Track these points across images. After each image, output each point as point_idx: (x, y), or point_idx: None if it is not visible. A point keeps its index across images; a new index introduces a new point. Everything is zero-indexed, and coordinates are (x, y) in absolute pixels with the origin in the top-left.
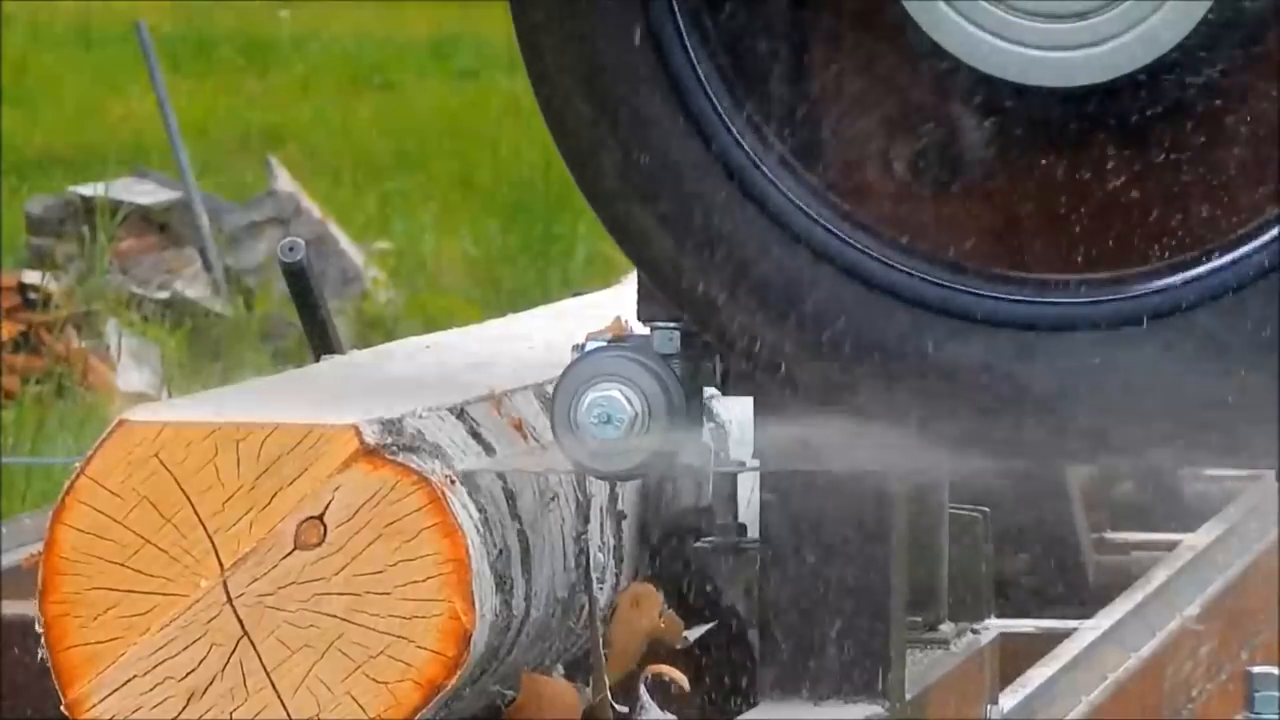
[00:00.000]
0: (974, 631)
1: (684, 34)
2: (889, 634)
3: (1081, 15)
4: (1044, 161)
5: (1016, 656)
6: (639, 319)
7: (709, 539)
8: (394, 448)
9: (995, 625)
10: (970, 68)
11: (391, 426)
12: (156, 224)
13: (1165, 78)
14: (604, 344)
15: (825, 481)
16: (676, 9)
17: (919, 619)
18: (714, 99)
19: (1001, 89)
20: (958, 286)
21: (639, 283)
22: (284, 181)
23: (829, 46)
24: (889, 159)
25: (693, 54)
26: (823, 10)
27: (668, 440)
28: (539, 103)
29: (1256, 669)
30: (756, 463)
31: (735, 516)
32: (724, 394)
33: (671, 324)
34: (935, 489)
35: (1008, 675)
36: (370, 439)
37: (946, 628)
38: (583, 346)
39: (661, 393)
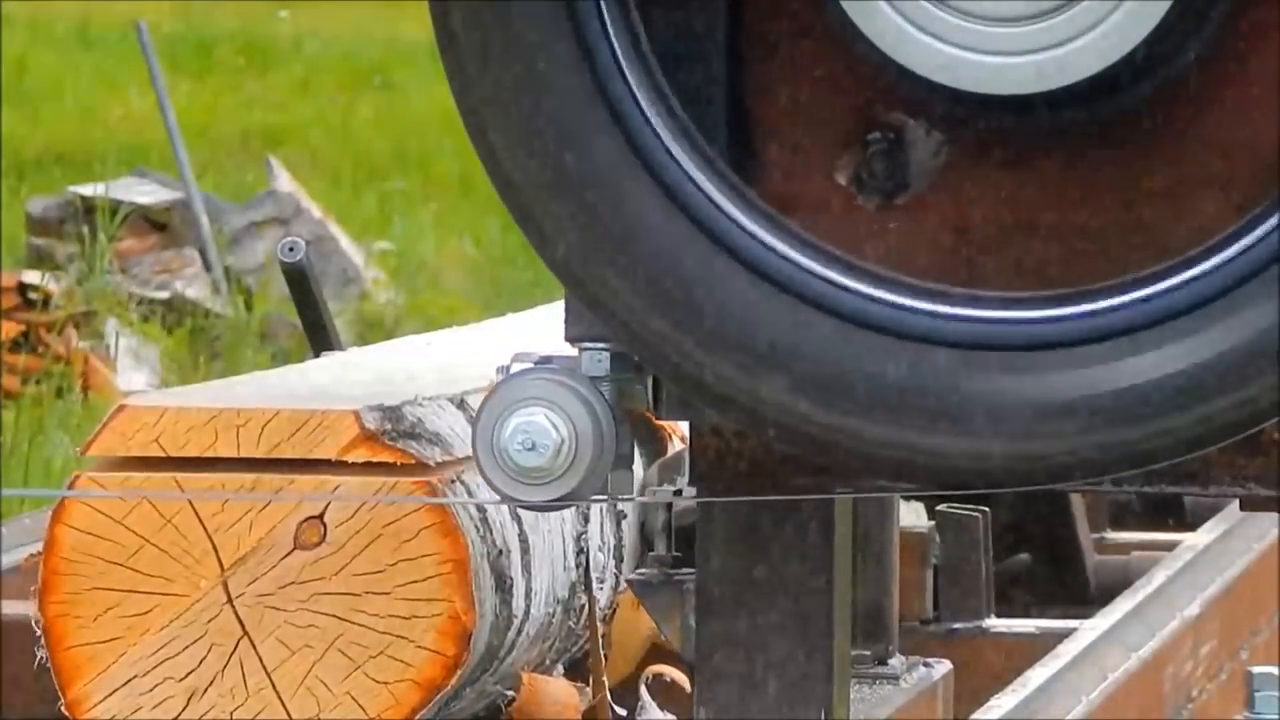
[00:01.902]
0: (925, 665)
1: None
2: (832, 668)
3: (1033, 18)
4: (993, 173)
5: (1016, 656)
6: (566, 339)
7: (640, 571)
8: (393, 434)
9: (995, 625)
10: (914, 73)
11: (391, 414)
12: (156, 224)
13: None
14: (530, 365)
15: (763, 508)
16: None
17: (867, 652)
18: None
19: (947, 96)
20: (895, 302)
21: (566, 302)
22: (284, 181)
23: (767, 53)
24: (832, 171)
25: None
26: (762, 17)
27: (596, 468)
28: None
29: (1256, 669)
30: (693, 491)
31: (670, 547)
32: (657, 418)
33: (601, 345)
34: (883, 513)
35: (1008, 675)
36: (370, 424)
37: (896, 662)
38: (507, 368)
39: (589, 417)
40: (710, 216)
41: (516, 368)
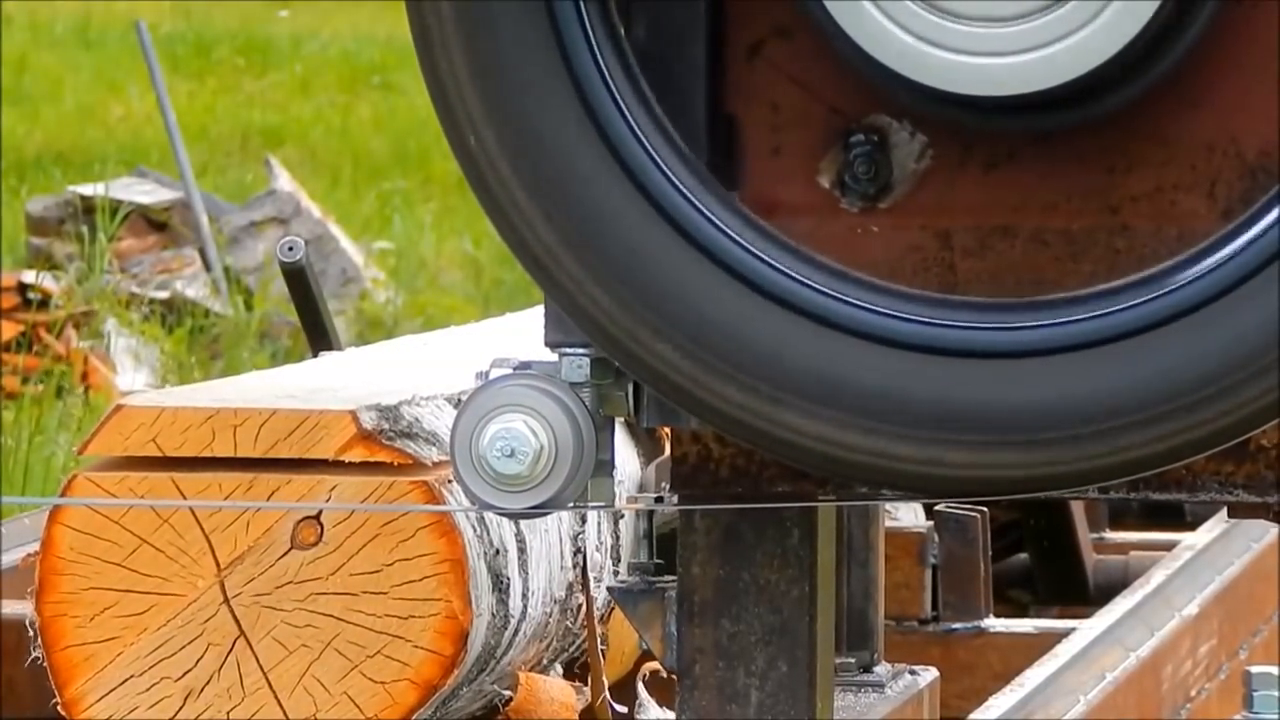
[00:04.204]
0: (911, 672)
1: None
2: (814, 676)
3: (1020, 18)
4: (977, 175)
5: (1015, 656)
6: (546, 344)
7: (622, 580)
8: (390, 433)
9: (994, 625)
10: (897, 74)
11: (388, 413)
12: (156, 224)
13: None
14: (509, 371)
15: (745, 515)
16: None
17: (851, 659)
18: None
19: (931, 97)
20: (868, 307)
21: (545, 306)
22: (284, 181)
23: (748, 53)
24: (814, 174)
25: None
26: (744, 16)
27: (576, 475)
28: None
29: (1256, 669)
30: (674, 499)
31: (651, 554)
32: (638, 425)
33: (580, 350)
34: (868, 518)
35: (1007, 675)
36: (367, 424)
37: (881, 669)
38: (486, 374)
39: (569, 424)
40: (687, 218)
41: (495, 373)
